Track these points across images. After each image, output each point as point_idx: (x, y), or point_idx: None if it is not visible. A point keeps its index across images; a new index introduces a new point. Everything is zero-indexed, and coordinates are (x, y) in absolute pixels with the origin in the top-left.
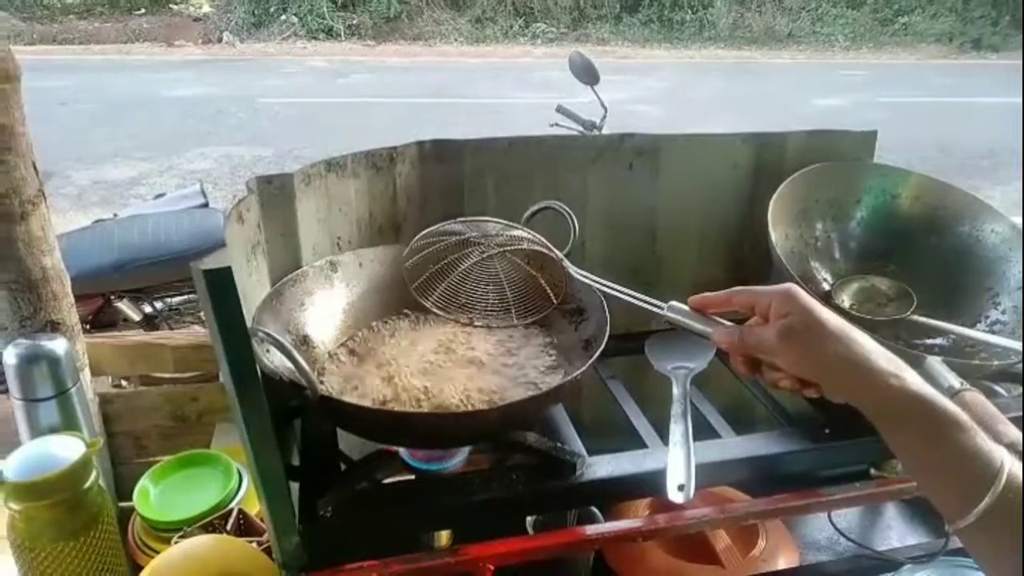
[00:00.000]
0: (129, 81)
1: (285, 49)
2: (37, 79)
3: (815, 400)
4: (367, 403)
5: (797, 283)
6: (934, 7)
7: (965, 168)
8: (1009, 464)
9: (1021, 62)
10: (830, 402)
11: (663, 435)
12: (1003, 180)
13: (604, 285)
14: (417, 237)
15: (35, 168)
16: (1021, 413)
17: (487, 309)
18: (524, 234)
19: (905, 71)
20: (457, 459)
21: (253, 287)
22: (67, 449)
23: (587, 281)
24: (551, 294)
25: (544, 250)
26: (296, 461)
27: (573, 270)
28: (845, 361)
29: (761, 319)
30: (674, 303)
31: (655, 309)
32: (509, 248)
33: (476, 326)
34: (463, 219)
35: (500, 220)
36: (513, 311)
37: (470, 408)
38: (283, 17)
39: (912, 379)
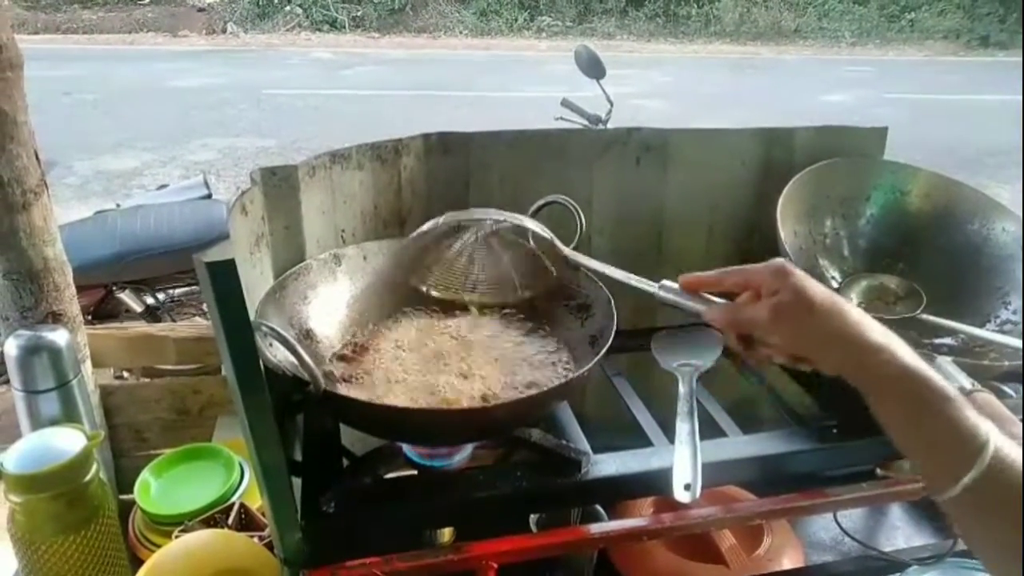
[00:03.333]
0: (133, 71)
1: (289, 40)
2: (41, 69)
3: (822, 398)
4: (371, 398)
5: None
6: (941, 4)
7: (972, 165)
8: (995, 438)
9: (1022, 60)
10: (837, 401)
11: (669, 433)
12: (1012, 178)
13: (595, 268)
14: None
15: (37, 157)
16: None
17: (489, 287)
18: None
19: (912, 68)
20: (461, 455)
21: (256, 280)
22: (68, 441)
23: (580, 260)
24: (552, 269)
25: (540, 232)
26: (298, 456)
27: (567, 251)
28: (836, 337)
29: (753, 296)
30: (666, 282)
31: (648, 288)
32: (505, 228)
33: (483, 304)
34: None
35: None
36: (517, 286)
37: (475, 404)
38: (287, 8)
39: (903, 352)
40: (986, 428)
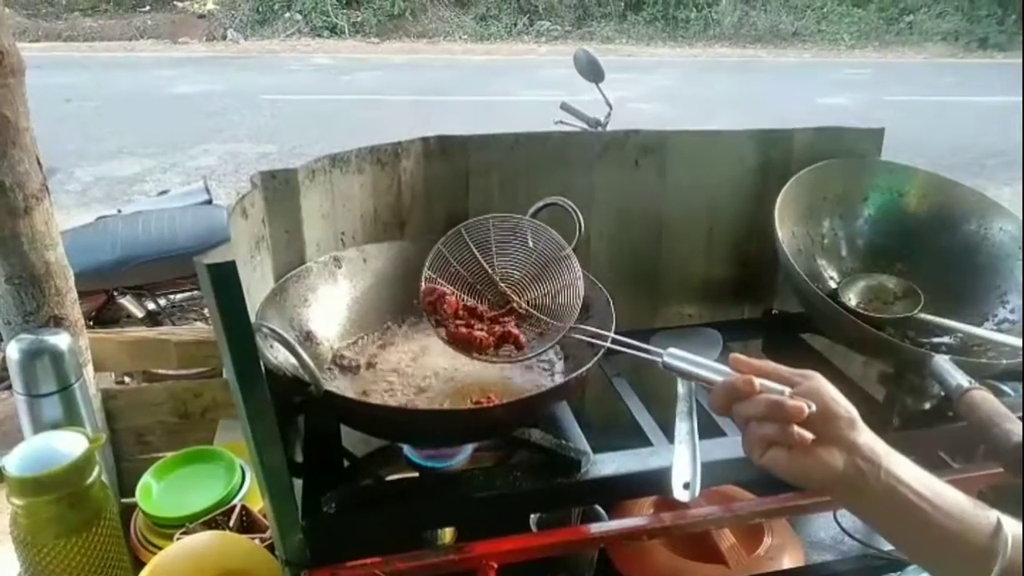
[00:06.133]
0: (134, 78)
1: (289, 46)
2: (43, 76)
3: None
4: (371, 399)
5: (804, 282)
6: (940, 6)
7: (971, 167)
8: (1008, 528)
9: (1021, 61)
10: None
11: (668, 433)
12: (1011, 180)
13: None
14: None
15: (39, 163)
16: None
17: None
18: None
19: (911, 70)
20: (461, 456)
21: (257, 282)
22: (70, 445)
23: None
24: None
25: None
26: (299, 458)
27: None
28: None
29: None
30: (673, 350)
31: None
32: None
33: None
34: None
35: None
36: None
37: (475, 404)
38: (287, 14)
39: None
40: (993, 516)
